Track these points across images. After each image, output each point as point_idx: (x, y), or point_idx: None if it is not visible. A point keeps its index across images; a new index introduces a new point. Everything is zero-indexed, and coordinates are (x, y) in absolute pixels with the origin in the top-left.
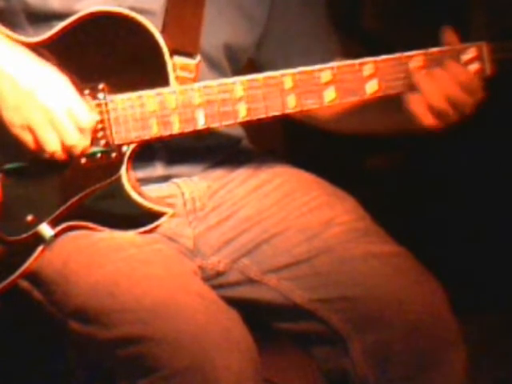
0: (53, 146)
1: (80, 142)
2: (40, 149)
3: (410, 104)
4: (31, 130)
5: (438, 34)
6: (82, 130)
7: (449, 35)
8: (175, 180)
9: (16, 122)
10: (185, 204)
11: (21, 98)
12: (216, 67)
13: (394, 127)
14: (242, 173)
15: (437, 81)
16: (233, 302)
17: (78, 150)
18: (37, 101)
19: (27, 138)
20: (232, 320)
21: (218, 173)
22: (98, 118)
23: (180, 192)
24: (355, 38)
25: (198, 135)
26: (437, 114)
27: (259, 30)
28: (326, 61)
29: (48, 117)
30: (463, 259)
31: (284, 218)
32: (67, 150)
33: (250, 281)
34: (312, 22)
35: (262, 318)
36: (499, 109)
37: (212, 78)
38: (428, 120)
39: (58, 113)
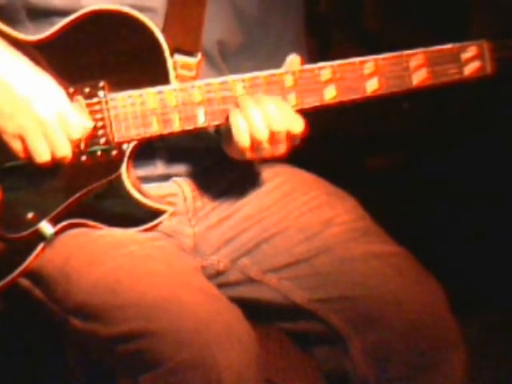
0: (43, 157)
1: (71, 153)
2: (29, 158)
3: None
4: (22, 139)
5: (439, 35)
6: (74, 142)
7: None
8: (176, 179)
9: (9, 129)
10: (185, 203)
11: (16, 106)
12: (216, 65)
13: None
14: (242, 172)
15: (267, 115)
16: (233, 302)
17: (68, 161)
18: (32, 110)
19: (17, 147)
20: (234, 315)
21: (219, 172)
22: (92, 125)
23: (181, 191)
24: (355, 38)
25: (198, 134)
26: (255, 144)
27: (251, 31)
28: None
29: (41, 127)
30: (463, 259)
31: (284, 218)
32: (57, 161)
33: (251, 280)
34: (296, 29)
35: (262, 317)
36: (500, 108)
37: (212, 77)
38: (245, 143)
39: (52, 124)
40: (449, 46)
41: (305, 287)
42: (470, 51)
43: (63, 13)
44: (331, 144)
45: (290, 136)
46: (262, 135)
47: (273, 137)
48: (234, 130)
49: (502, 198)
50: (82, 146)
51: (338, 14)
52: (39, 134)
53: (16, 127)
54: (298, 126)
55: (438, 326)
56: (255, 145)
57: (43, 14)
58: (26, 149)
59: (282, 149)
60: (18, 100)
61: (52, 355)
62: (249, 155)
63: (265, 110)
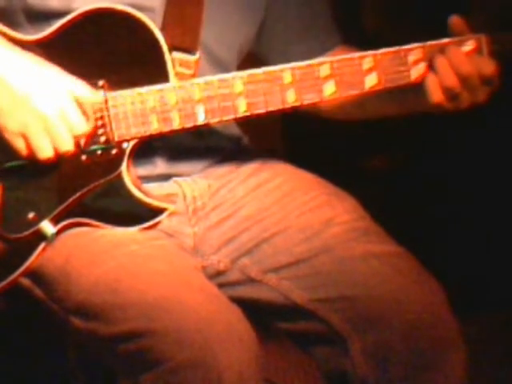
0: (46, 153)
1: (73, 148)
2: (32, 156)
3: (425, 80)
4: (24, 137)
5: (437, 34)
6: (76, 137)
7: (457, 25)
8: (176, 179)
9: (10, 127)
10: (185, 203)
11: (15, 102)
12: (217, 63)
13: (401, 109)
14: (242, 172)
15: (452, 60)
16: (233, 302)
17: (71, 156)
18: (31, 106)
19: (20, 145)
20: (234, 315)
21: (219, 172)
22: (93, 124)
23: (181, 191)
24: (355, 37)
25: (199, 134)
26: (449, 93)
27: (257, 24)
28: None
29: (42, 123)
30: (463, 259)
31: (284, 217)
32: (60, 156)
33: (251, 280)
34: (313, 14)
35: (262, 317)
36: (500, 105)
37: (212, 74)
38: (438, 98)
39: (53, 119)
40: (447, 39)
41: (305, 287)
42: (468, 45)
43: (61, 14)
44: (331, 144)
45: (483, 78)
46: (453, 82)
47: (465, 82)
48: (426, 87)
49: (502, 198)
50: (83, 143)
51: (337, 14)
52: (40, 129)
53: (17, 124)
54: (488, 67)
55: (438, 326)
56: (450, 95)
57: (42, 16)
58: (28, 146)
59: (481, 95)
60: (16, 96)
61: (52, 355)
62: (448, 106)
63: (450, 58)
